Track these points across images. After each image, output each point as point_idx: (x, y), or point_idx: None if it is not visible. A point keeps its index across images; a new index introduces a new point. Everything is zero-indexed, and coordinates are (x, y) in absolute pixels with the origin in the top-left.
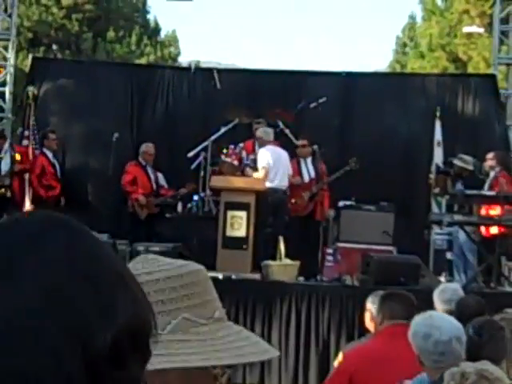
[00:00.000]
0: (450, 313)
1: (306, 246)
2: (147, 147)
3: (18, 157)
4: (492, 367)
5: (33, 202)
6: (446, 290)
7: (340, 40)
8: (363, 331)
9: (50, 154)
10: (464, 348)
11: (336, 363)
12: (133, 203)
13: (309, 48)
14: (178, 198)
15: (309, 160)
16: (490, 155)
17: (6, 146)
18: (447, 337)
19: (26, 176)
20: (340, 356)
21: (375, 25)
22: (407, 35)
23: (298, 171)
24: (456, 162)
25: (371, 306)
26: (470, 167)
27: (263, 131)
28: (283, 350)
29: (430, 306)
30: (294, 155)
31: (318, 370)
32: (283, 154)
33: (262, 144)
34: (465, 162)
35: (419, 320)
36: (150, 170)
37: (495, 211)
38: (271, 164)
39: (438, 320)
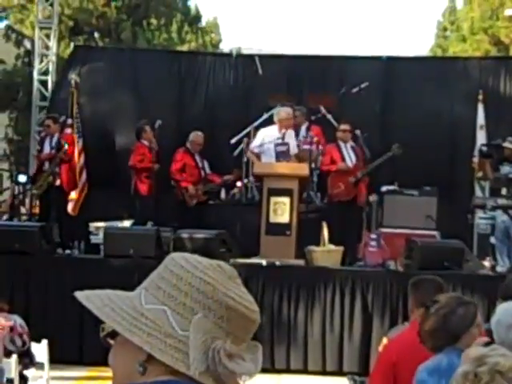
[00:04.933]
0: None
1: (349, 232)
2: (196, 136)
3: (66, 146)
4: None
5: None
6: None
7: (380, 25)
8: (407, 316)
9: (148, 145)
10: None
11: (380, 348)
12: (182, 192)
13: (349, 33)
14: (222, 186)
15: (349, 145)
16: None
17: (57, 134)
18: None
19: (78, 164)
20: (384, 341)
21: (416, 9)
22: (448, 19)
23: (340, 156)
24: (507, 144)
25: None
26: None
27: None
28: (328, 335)
29: (473, 289)
30: (334, 140)
31: (362, 355)
32: None
33: None
34: None
35: (506, 308)
36: (197, 157)
37: None
38: None
39: None
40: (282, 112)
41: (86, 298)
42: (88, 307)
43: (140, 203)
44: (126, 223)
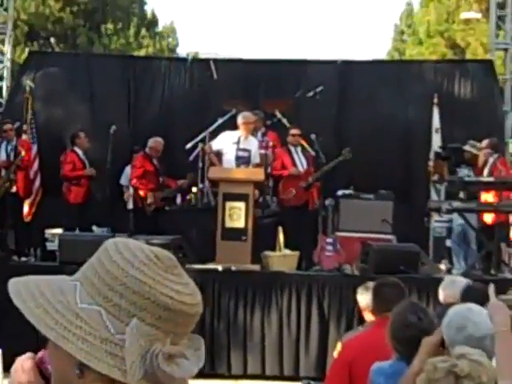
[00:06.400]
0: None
1: (305, 236)
2: (155, 143)
3: (23, 152)
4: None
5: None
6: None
7: (338, 29)
8: (363, 320)
9: (80, 152)
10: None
11: (335, 353)
12: (140, 199)
13: (307, 37)
14: (178, 191)
15: (299, 149)
16: (484, 143)
17: (14, 140)
18: (482, 333)
19: (32, 171)
20: (339, 346)
21: (373, 13)
22: (405, 22)
23: (291, 161)
24: (468, 148)
25: (361, 297)
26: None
27: None
28: (284, 339)
29: (429, 293)
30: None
31: (319, 359)
32: None
33: None
34: (476, 148)
35: (456, 311)
36: (156, 163)
37: (493, 197)
38: None
39: (476, 315)
40: (246, 115)
41: (18, 294)
42: (19, 307)
43: (68, 211)
44: (96, 229)
